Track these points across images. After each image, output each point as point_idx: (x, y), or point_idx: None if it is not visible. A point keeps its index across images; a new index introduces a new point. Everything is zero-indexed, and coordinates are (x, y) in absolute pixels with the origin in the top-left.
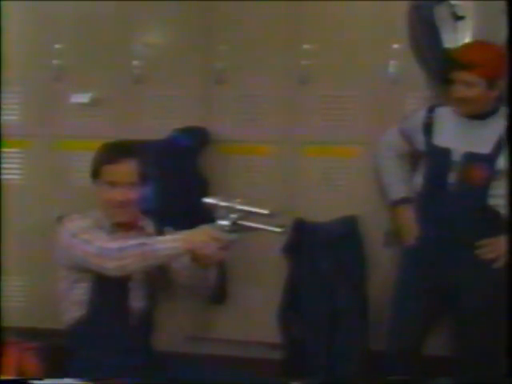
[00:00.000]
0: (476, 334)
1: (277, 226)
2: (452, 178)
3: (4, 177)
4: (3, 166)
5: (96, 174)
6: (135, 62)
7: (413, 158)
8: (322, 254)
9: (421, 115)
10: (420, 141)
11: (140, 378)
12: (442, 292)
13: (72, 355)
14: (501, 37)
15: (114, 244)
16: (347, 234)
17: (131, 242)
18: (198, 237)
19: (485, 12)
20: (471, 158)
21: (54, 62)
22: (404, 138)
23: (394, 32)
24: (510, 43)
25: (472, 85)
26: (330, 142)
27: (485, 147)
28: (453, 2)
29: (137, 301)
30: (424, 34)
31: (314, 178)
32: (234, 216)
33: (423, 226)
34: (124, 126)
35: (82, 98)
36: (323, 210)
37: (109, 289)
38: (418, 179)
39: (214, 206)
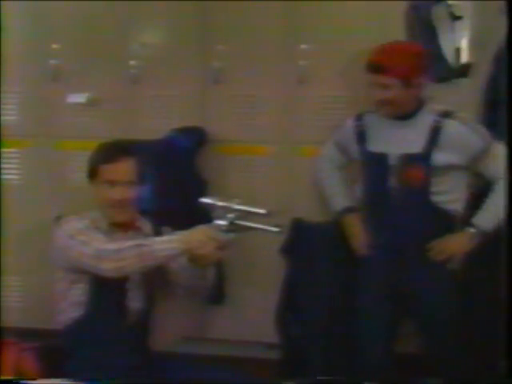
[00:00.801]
0: (437, 336)
1: (274, 226)
2: (392, 182)
3: (1, 177)
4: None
5: (94, 173)
6: (132, 62)
7: (352, 168)
8: (319, 254)
9: (350, 125)
10: (355, 150)
11: (138, 378)
12: (402, 297)
13: (69, 355)
14: (498, 37)
15: (111, 245)
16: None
17: (128, 243)
18: (195, 237)
19: (482, 12)
20: (406, 160)
21: (51, 61)
22: (339, 150)
23: (391, 32)
24: (509, 43)
25: (387, 87)
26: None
27: (416, 146)
28: (450, 2)
29: (135, 301)
30: (422, 34)
31: (312, 178)
32: (231, 216)
33: (372, 233)
34: (121, 126)
35: (79, 97)
36: (320, 209)
37: (107, 289)
38: (360, 188)
39: (212, 206)
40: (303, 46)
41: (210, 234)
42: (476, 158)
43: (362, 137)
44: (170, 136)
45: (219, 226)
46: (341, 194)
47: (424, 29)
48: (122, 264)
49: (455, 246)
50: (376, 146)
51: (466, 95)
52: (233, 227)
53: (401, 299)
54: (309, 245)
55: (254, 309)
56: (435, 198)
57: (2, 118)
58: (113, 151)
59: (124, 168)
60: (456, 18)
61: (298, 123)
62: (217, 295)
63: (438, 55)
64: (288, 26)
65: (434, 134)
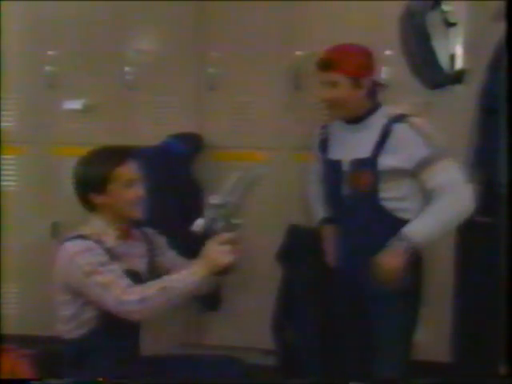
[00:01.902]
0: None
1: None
2: (345, 188)
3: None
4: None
5: (107, 180)
6: (128, 69)
7: None
8: (315, 259)
9: (316, 133)
10: (319, 158)
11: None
12: (362, 304)
13: (75, 365)
14: (493, 43)
15: (133, 295)
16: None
17: (151, 289)
18: (211, 255)
19: (477, 18)
20: (355, 164)
21: (47, 68)
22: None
23: (386, 38)
24: (509, 43)
25: (335, 84)
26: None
27: (366, 151)
28: (445, 9)
29: None
30: (416, 40)
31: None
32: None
33: (336, 243)
34: (117, 133)
35: (75, 104)
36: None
37: None
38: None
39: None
40: (298, 53)
41: (219, 242)
42: (419, 166)
43: (323, 145)
44: (166, 142)
45: (200, 224)
46: (319, 205)
47: (418, 35)
48: (147, 311)
49: (386, 264)
50: (334, 153)
51: (461, 101)
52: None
53: (361, 307)
54: (304, 250)
55: (250, 315)
56: (388, 205)
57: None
58: (122, 154)
59: (135, 167)
60: (450, 24)
61: (293, 129)
62: (213, 301)
63: (432, 61)
64: (283, 32)
65: (383, 138)
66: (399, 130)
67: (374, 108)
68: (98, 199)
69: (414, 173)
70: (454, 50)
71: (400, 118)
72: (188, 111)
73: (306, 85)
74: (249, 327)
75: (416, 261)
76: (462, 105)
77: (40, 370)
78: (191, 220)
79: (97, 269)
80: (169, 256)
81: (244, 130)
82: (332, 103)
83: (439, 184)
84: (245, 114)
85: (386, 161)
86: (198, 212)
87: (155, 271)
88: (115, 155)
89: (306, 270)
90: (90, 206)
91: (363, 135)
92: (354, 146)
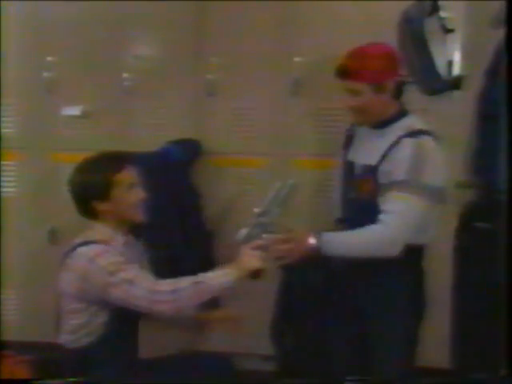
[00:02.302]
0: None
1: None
2: (352, 191)
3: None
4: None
5: (110, 185)
6: (126, 75)
7: None
8: (314, 265)
9: (345, 131)
10: (341, 156)
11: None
12: (356, 312)
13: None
14: (490, 49)
15: (166, 286)
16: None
17: (184, 282)
18: (247, 264)
19: (474, 25)
20: (363, 170)
21: (46, 74)
22: None
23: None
24: (509, 43)
25: (357, 92)
26: (322, 154)
27: (374, 158)
28: (442, 15)
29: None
30: (414, 47)
31: (306, 190)
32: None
33: None
34: (115, 139)
35: (74, 110)
36: (316, 222)
37: (126, 314)
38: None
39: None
40: (297, 59)
41: (252, 247)
42: (388, 185)
43: (346, 144)
44: (165, 148)
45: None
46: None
47: (416, 42)
48: (179, 304)
49: (292, 248)
50: (351, 154)
51: (459, 107)
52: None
53: (355, 315)
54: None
55: (249, 320)
56: (382, 217)
57: None
58: (121, 159)
59: (134, 171)
60: (448, 30)
61: (292, 135)
62: (212, 307)
63: (430, 68)
64: (281, 38)
65: (389, 149)
66: (405, 144)
67: (399, 115)
68: (102, 206)
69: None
70: (452, 57)
71: (413, 134)
72: (187, 117)
73: (305, 91)
74: (247, 333)
75: (417, 269)
76: (459, 111)
77: (39, 376)
78: (188, 225)
79: (121, 266)
80: None
81: (243, 135)
82: (357, 110)
83: (382, 210)
84: (243, 120)
85: (383, 172)
86: (196, 217)
87: None
88: (115, 161)
89: (306, 274)
90: (91, 214)
91: (379, 142)
92: (368, 150)
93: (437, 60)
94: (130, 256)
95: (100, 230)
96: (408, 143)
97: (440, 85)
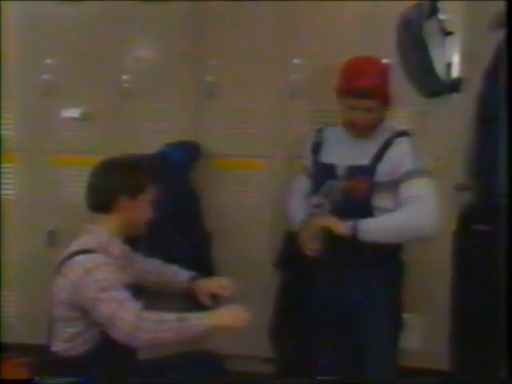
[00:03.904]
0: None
1: None
2: (337, 194)
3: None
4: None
5: (144, 188)
6: (125, 77)
7: None
8: (313, 267)
9: (310, 136)
10: (310, 162)
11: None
12: (348, 312)
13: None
14: (489, 51)
15: (151, 315)
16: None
17: (170, 316)
18: (228, 318)
19: (473, 27)
20: (352, 171)
21: (45, 76)
22: (305, 172)
23: (383, 47)
24: (509, 44)
25: (369, 110)
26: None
27: (365, 159)
28: (442, 18)
29: None
30: (413, 49)
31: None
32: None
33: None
34: (115, 141)
35: (73, 112)
36: None
37: None
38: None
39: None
40: (296, 61)
41: (240, 316)
42: (401, 179)
43: (316, 148)
44: (164, 150)
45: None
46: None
47: (415, 44)
48: (159, 336)
49: (320, 225)
50: (328, 157)
51: (458, 110)
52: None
53: (346, 315)
54: (302, 258)
55: (248, 322)
56: (380, 214)
57: None
58: (153, 172)
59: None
60: (447, 33)
61: (291, 137)
62: (210, 309)
63: (429, 70)
64: (281, 40)
65: (383, 149)
66: (400, 143)
67: (381, 121)
68: (126, 203)
69: (396, 184)
70: (451, 59)
71: (402, 134)
72: (186, 119)
73: (304, 93)
74: (246, 334)
75: (399, 268)
76: (458, 113)
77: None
78: (188, 228)
79: (115, 284)
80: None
81: (242, 138)
82: (363, 126)
83: (407, 197)
84: (242, 122)
85: (383, 171)
86: (195, 219)
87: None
88: (151, 172)
89: (304, 277)
90: (107, 207)
91: (364, 144)
92: (352, 152)
93: (436, 62)
94: (124, 265)
95: (98, 234)
96: (402, 142)
97: (439, 87)
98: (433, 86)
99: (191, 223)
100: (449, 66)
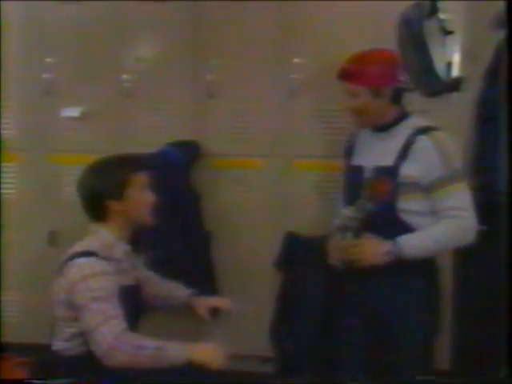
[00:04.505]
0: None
1: None
2: (365, 195)
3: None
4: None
5: (126, 184)
6: (126, 76)
7: None
8: (313, 267)
9: (345, 140)
10: (344, 164)
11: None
12: (370, 318)
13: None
14: (490, 51)
15: (131, 339)
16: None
17: (150, 342)
18: (206, 354)
19: (474, 27)
20: (377, 172)
21: (45, 76)
22: None
23: (383, 46)
24: (509, 44)
25: (355, 95)
26: (320, 156)
27: (388, 159)
28: (442, 17)
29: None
30: (413, 48)
31: (305, 192)
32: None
33: None
34: (115, 140)
35: (73, 112)
36: (314, 223)
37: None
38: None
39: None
40: (296, 60)
41: (217, 354)
42: (433, 185)
43: (349, 151)
44: (165, 150)
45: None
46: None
47: (416, 43)
48: (135, 360)
49: (366, 252)
50: (357, 159)
51: (458, 109)
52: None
53: (369, 321)
54: (302, 258)
55: (248, 322)
56: (405, 218)
57: None
58: (136, 160)
59: (148, 173)
60: (447, 32)
61: (291, 137)
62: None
63: (429, 69)
64: (280, 40)
65: (406, 149)
66: (422, 142)
67: (402, 117)
68: (115, 205)
69: (427, 189)
70: (451, 58)
71: (424, 131)
72: (186, 119)
73: (305, 92)
74: (247, 335)
75: (431, 271)
76: (459, 112)
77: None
78: (188, 227)
79: (107, 297)
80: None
81: (242, 137)
82: (354, 112)
83: (446, 207)
84: (243, 121)
85: (407, 172)
86: (195, 219)
87: (139, 287)
88: (131, 161)
89: (305, 277)
90: (101, 215)
91: (388, 144)
92: (378, 153)
93: (436, 62)
94: (128, 267)
95: (102, 235)
96: (424, 140)
97: (439, 86)
98: (433, 85)
99: (191, 222)
100: (449, 65)
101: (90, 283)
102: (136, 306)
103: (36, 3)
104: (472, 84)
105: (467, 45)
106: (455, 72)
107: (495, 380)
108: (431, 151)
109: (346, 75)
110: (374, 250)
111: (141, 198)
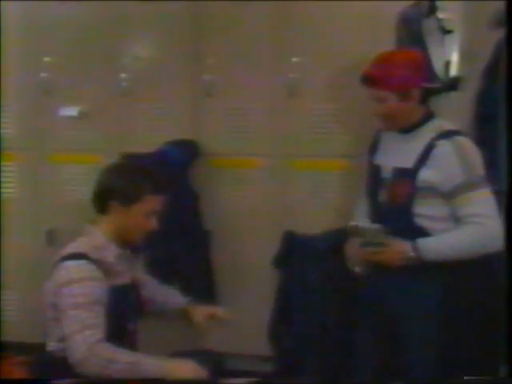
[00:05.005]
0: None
1: None
2: (382, 196)
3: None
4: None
5: (136, 200)
6: (124, 75)
7: None
8: (311, 266)
9: (371, 137)
10: (368, 161)
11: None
12: (385, 319)
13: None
14: (488, 50)
15: (105, 352)
16: (336, 246)
17: (123, 356)
18: (182, 371)
19: (472, 26)
20: (396, 174)
21: (43, 75)
22: None
23: (381, 45)
24: (509, 44)
25: (382, 100)
26: (319, 155)
27: (409, 162)
28: (441, 16)
29: (131, 323)
30: (412, 47)
31: (304, 191)
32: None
33: None
34: (113, 139)
35: (71, 111)
36: (312, 222)
37: (115, 322)
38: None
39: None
40: (294, 59)
41: (195, 372)
42: (454, 190)
43: (373, 149)
44: (163, 149)
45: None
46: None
47: (414, 42)
48: (106, 373)
49: (387, 254)
50: (378, 157)
51: (456, 108)
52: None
53: (382, 323)
54: (301, 257)
55: (247, 321)
56: (421, 222)
57: None
58: (158, 183)
59: (164, 201)
60: (446, 31)
61: (289, 136)
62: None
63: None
64: (279, 39)
65: (426, 152)
66: (442, 147)
67: (426, 119)
68: (117, 209)
69: (448, 196)
70: (450, 57)
71: (447, 135)
72: (184, 118)
73: (303, 91)
74: (246, 334)
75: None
76: (457, 111)
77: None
78: (187, 226)
79: (88, 304)
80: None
81: (240, 136)
82: (383, 117)
83: (469, 214)
84: (241, 120)
85: (426, 176)
86: (193, 218)
87: (135, 286)
88: (155, 182)
89: (303, 276)
90: (102, 210)
91: (410, 145)
92: (399, 154)
93: (434, 61)
94: (122, 269)
95: (95, 237)
96: (445, 145)
97: (437, 85)
98: (431, 84)
99: (190, 222)
100: (447, 64)
101: (74, 288)
102: (128, 306)
103: (34, 3)
104: (470, 83)
105: (466, 44)
106: (454, 71)
107: (495, 380)
108: (451, 157)
109: (371, 80)
110: (397, 254)
111: (142, 220)
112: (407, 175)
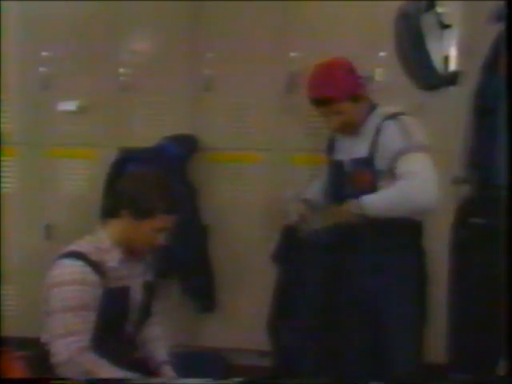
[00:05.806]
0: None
1: None
2: (347, 188)
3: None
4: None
5: (148, 215)
6: (122, 70)
7: None
8: (310, 261)
9: (327, 138)
10: (326, 159)
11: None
12: (359, 303)
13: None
14: (487, 45)
15: (86, 362)
16: (336, 241)
17: (103, 371)
18: None
19: (471, 21)
20: (354, 164)
21: (41, 69)
22: None
23: (380, 40)
24: (509, 43)
25: (340, 112)
26: (318, 150)
27: (363, 151)
28: (440, 11)
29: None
30: (411, 42)
31: (302, 185)
32: None
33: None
34: (112, 134)
35: (70, 105)
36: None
37: (110, 319)
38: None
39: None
40: (292, 54)
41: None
42: (394, 159)
43: (330, 147)
44: (161, 144)
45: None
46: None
47: (413, 37)
48: (73, 369)
49: (336, 215)
50: (337, 153)
51: (455, 103)
52: None
53: (357, 307)
54: (299, 252)
55: (246, 316)
56: None
57: None
58: (173, 203)
59: (175, 220)
60: (445, 26)
61: (288, 131)
62: (208, 303)
63: (426, 63)
64: (278, 33)
65: (376, 137)
66: (388, 126)
67: (371, 109)
68: (128, 218)
69: (392, 163)
70: (449, 52)
71: (391, 116)
72: (183, 113)
73: (301, 86)
74: (244, 329)
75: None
76: (456, 106)
77: (36, 372)
78: (184, 221)
79: (76, 309)
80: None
81: (239, 131)
82: (343, 126)
83: (403, 171)
84: (240, 115)
85: (381, 159)
86: (192, 213)
87: (148, 291)
88: (170, 202)
89: (302, 270)
90: (112, 213)
91: (361, 136)
92: (353, 146)
93: (433, 55)
94: (123, 274)
95: (102, 237)
96: (389, 124)
97: (436, 80)
98: (430, 79)
99: (187, 216)
100: (446, 59)
101: (65, 291)
102: (126, 308)
103: None
104: (469, 78)
105: (464, 39)
106: (452, 66)
107: (494, 379)
108: (394, 133)
109: (321, 102)
110: (345, 213)
111: (151, 235)
112: (364, 163)
